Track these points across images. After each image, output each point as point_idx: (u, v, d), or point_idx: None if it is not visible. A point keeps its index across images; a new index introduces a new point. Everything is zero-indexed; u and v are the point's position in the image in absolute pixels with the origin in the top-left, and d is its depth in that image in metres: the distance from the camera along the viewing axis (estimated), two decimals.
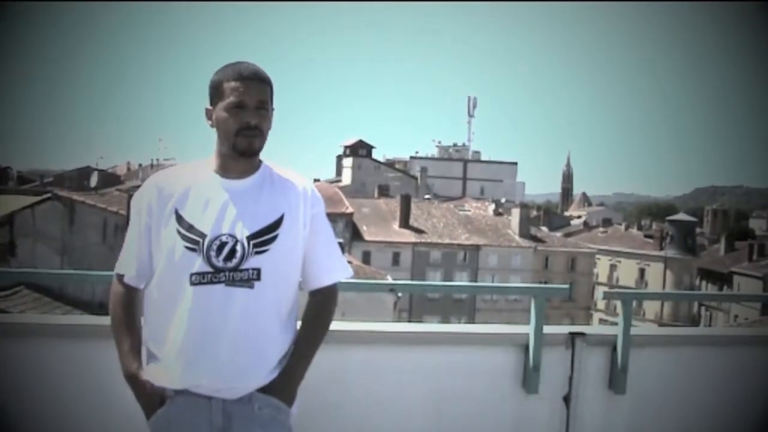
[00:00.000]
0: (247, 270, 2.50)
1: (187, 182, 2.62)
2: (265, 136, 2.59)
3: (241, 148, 2.56)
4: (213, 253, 2.49)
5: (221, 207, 2.55)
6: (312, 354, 2.67)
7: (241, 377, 2.52)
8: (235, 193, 2.58)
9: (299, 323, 2.74)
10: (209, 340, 2.48)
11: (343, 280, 2.80)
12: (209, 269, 2.49)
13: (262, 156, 2.68)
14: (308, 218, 2.64)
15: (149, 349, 2.60)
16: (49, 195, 21.04)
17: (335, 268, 2.72)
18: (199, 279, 2.48)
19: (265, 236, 2.54)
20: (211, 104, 2.60)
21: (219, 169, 2.63)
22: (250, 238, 2.52)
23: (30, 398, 3.08)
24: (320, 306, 2.72)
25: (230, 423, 2.54)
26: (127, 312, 2.63)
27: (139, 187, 2.82)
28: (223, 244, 2.50)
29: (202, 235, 2.51)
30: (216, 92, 2.58)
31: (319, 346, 2.70)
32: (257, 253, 2.52)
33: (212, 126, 2.61)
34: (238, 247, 2.50)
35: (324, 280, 2.70)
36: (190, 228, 2.52)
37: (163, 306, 2.55)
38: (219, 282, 2.48)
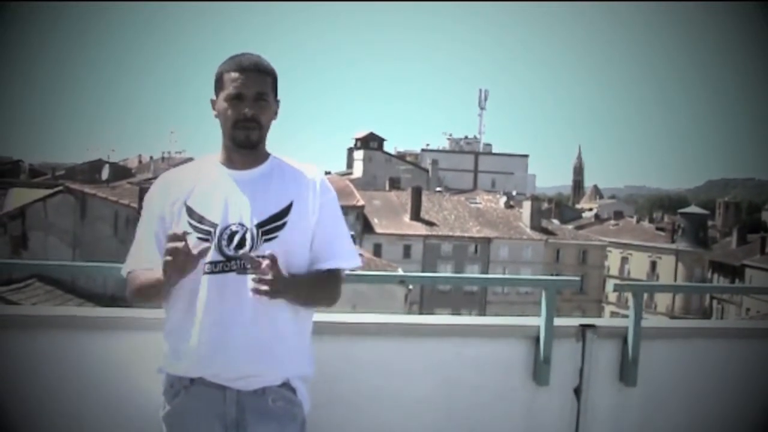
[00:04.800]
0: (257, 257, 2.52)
1: (195, 177, 2.68)
2: (264, 127, 2.61)
3: (239, 139, 2.59)
4: (224, 242, 2.53)
5: (230, 197, 2.58)
6: (308, 289, 2.60)
7: (255, 363, 2.55)
8: (243, 183, 2.61)
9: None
10: (224, 326, 2.51)
11: (353, 272, 2.80)
12: (221, 258, 2.53)
13: (272, 149, 2.72)
14: (317, 206, 2.64)
15: (169, 341, 2.64)
16: (60, 188, 21.14)
17: (335, 255, 2.68)
18: (212, 268, 2.53)
19: (273, 223, 2.57)
20: (215, 96, 2.63)
21: (225, 161, 2.67)
22: (259, 226, 2.55)
23: (44, 390, 3.10)
24: (323, 277, 2.68)
25: (243, 415, 2.56)
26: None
27: (150, 179, 2.86)
28: (233, 233, 2.54)
29: (213, 225, 2.55)
30: (218, 83, 2.61)
31: (316, 298, 2.67)
32: (266, 240, 2.54)
33: (216, 117, 2.64)
34: (248, 236, 2.54)
35: (322, 265, 2.66)
36: (201, 219, 2.57)
37: (180, 297, 2.59)
38: (231, 270, 2.52)
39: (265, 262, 2.39)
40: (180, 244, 2.35)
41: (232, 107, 2.57)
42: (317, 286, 2.66)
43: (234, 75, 2.57)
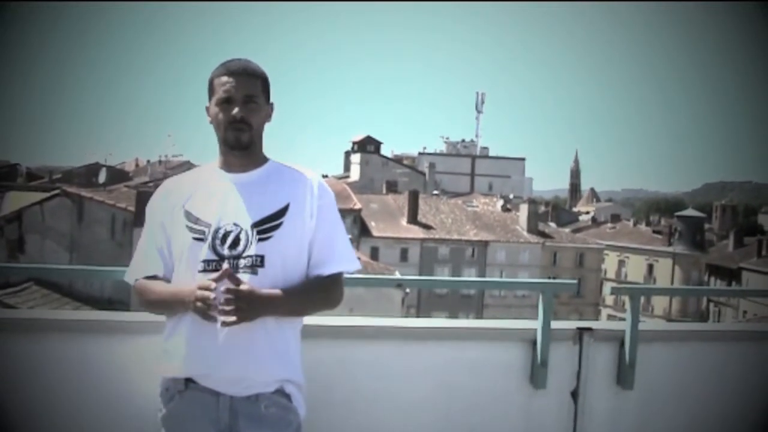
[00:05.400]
0: (250, 257, 2.55)
1: (195, 182, 2.73)
2: (254, 129, 2.64)
3: (230, 141, 2.63)
4: (218, 242, 2.56)
5: (226, 198, 2.62)
6: (296, 302, 2.62)
7: (246, 365, 2.55)
8: (240, 185, 2.64)
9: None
10: (215, 329, 2.50)
11: (350, 275, 2.81)
12: (215, 257, 2.55)
13: (269, 152, 2.75)
14: (314, 208, 2.66)
15: (163, 342, 2.66)
16: (57, 191, 21.16)
17: (334, 259, 2.70)
18: (205, 267, 2.55)
19: (269, 224, 2.59)
20: (209, 102, 2.67)
21: (222, 164, 2.71)
22: (254, 225, 2.57)
23: (42, 393, 3.09)
24: (322, 282, 2.69)
25: (237, 421, 2.57)
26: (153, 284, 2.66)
27: (147, 183, 2.90)
28: (227, 233, 2.57)
29: (208, 225, 2.58)
30: (210, 90, 2.66)
31: (308, 308, 2.71)
32: (261, 240, 2.56)
33: (211, 123, 2.67)
34: (242, 236, 2.56)
35: (322, 270, 2.68)
36: (197, 221, 2.60)
37: None
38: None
39: (223, 287, 2.42)
40: (210, 294, 2.40)
41: (223, 110, 2.61)
42: (309, 295, 2.66)
43: (223, 79, 2.62)
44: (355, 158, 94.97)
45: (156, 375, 2.69)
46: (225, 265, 2.50)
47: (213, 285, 2.41)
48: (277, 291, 2.54)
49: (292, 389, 2.65)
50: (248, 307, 2.44)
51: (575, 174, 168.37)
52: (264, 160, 2.72)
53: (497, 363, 3.60)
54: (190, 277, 2.55)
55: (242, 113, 2.59)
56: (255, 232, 2.57)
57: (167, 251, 2.65)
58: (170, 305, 2.60)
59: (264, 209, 2.60)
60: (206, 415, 2.57)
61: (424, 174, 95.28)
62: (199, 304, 2.42)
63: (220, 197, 2.62)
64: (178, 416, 2.60)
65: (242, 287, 2.45)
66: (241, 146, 2.63)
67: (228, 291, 2.41)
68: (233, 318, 2.42)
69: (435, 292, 52.97)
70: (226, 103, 2.60)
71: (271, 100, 2.74)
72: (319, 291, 2.68)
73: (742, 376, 3.95)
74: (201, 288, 2.42)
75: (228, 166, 2.68)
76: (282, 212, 2.61)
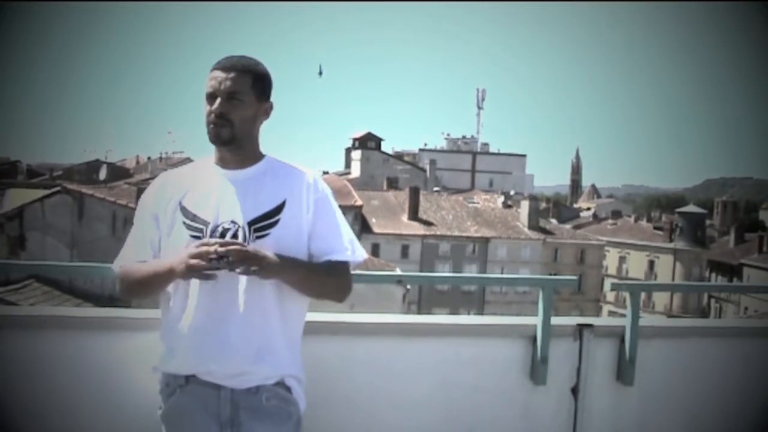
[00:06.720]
0: None
1: (191, 177, 2.71)
2: (235, 125, 2.59)
3: (210, 137, 2.61)
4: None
5: (223, 195, 2.61)
6: (305, 274, 2.61)
7: (248, 360, 2.55)
8: (236, 182, 2.63)
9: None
10: (216, 324, 2.53)
11: (351, 272, 2.80)
12: (213, 255, 2.52)
13: (269, 150, 2.74)
14: (311, 203, 2.65)
15: (163, 339, 2.65)
16: (58, 188, 21.16)
17: (336, 249, 2.68)
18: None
19: (266, 221, 2.58)
20: None
21: (218, 160, 2.69)
22: (251, 223, 2.56)
23: (42, 390, 3.10)
24: (335, 267, 2.68)
25: (237, 413, 2.57)
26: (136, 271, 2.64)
27: (148, 180, 2.89)
28: (225, 231, 2.55)
29: (205, 223, 2.57)
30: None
31: (320, 284, 2.68)
32: (258, 237, 2.55)
33: None
34: (240, 233, 2.55)
35: (332, 256, 2.67)
36: (194, 218, 2.59)
37: (174, 296, 2.61)
38: (221, 268, 2.51)
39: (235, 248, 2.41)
40: (211, 248, 2.40)
41: (208, 105, 2.60)
42: (316, 271, 2.64)
43: (212, 74, 2.61)
44: (356, 155, 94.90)
45: (156, 371, 2.69)
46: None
47: (212, 240, 2.39)
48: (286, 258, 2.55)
49: (292, 382, 2.66)
50: (261, 264, 2.44)
51: (576, 170, 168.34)
52: (260, 156, 2.71)
53: (497, 359, 3.60)
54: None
55: (221, 109, 2.57)
56: (252, 230, 2.56)
57: (158, 245, 2.65)
58: (158, 277, 2.56)
59: (260, 206, 2.59)
60: (208, 408, 2.57)
61: (424, 170, 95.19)
62: (193, 261, 2.39)
63: (216, 194, 2.61)
64: (180, 410, 2.61)
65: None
66: (221, 142, 2.60)
67: (226, 245, 2.40)
68: (254, 267, 2.41)
69: (436, 288, 52.95)
70: (210, 97, 2.59)
71: (271, 98, 2.71)
72: (331, 275, 2.67)
73: (742, 372, 3.95)
74: (198, 245, 2.41)
75: (223, 161, 2.67)
76: (278, 209, 2.60)
